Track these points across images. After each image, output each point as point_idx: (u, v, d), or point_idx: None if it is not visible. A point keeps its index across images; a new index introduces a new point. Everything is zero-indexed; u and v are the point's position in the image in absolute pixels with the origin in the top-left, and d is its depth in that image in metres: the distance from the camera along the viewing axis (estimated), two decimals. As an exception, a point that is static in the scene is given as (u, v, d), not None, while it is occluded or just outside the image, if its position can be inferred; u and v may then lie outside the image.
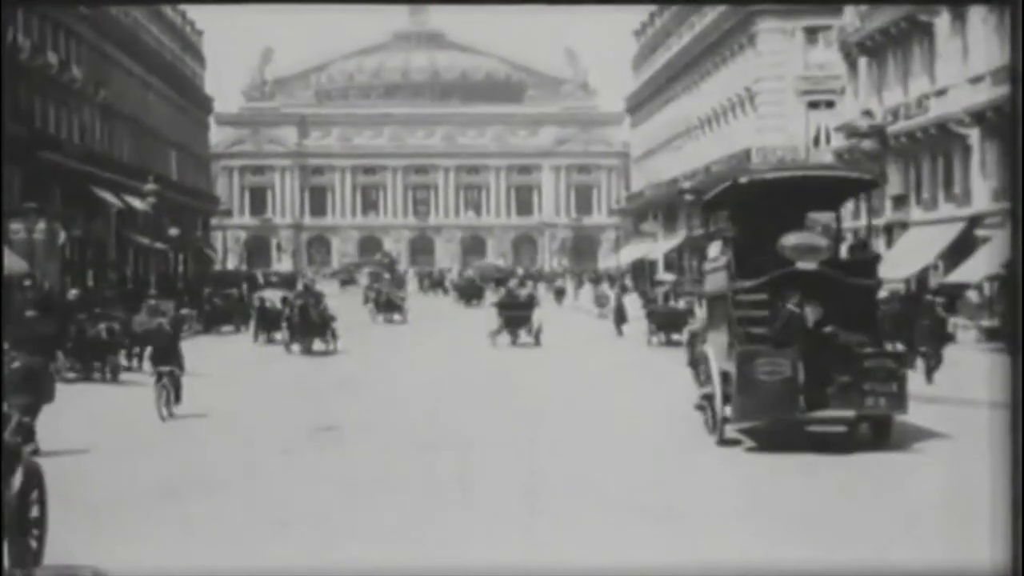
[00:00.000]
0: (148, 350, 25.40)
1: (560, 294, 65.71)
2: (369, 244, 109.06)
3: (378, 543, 13.55)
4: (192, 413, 22.97)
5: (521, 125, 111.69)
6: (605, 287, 62.74)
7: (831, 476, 17.49)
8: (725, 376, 19.85)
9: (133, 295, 51.10)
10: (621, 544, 13.63)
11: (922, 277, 42.46)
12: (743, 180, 20.75)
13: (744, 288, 20.03)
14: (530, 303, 41.05)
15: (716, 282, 21.35)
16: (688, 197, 57.82)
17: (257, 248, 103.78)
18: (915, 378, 27.96)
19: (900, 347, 22.19)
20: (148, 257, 62.21)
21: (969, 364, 31.30)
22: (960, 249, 40.01)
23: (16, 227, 43.06)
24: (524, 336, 39.70)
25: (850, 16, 51.33)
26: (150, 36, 71.53)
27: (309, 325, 36.08)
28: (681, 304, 41.68)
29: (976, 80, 39.86)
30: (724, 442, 19.77)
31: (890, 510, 15.27)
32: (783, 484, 17.07)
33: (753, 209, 20.89)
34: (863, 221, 40.53)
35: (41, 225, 44.12)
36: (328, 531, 13.97)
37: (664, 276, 56.73)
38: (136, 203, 57.19)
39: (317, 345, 36.13)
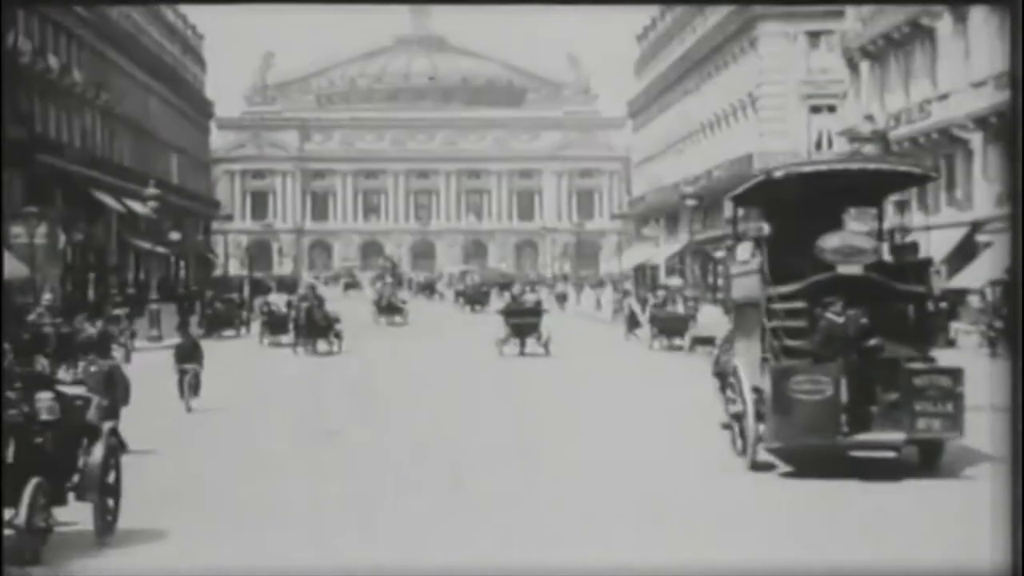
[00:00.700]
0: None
1: (562, 299, 64.75)
2: (370, 249, 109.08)
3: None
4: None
5: (522, 129, 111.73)
6: (615, 293, 62.15)
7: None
8: (758, 393, 17.83)
9: (135, 299, 51.13)
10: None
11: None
12: (778, 174, 18.56)
13: (779, 295, 17.96)
14: (538, 310, 38.90)
15: (746, 288, 19.35)
16: (690, 202, 57.74)
17: (258, 252, 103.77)
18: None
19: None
20: (149, 261, 62.17)
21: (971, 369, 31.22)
22: (962, 254, 39.96)
23: (17, 231, 42.99)
24: (533, 345, 37.24)
25: (852, 20, 51.29)
26: (151, 40, 71.53)
27: (314, 327, 37.34)
28: (681, 309, 41.42)
29: (978, 85, 39.82)
30: (756, 466, 17.71)
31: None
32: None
33: (788, 207, 18.94)
34: (864, 225, 40.42)
35: (42, 229, 44.04)
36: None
37: (672, 281, 56.21)
38: (137, 207, 57.14)
39: (322, 346, 37.21)
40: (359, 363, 34.40)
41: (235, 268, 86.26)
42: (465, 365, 34.28)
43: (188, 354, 25.10)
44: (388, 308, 50.54)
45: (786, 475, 17.54)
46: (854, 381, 17.27)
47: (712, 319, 40.22)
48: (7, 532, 12.32)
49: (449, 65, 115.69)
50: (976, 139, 40.46)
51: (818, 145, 56.95)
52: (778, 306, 17.96)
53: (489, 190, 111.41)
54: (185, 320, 40.60)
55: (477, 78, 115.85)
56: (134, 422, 18.42)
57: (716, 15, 65.24)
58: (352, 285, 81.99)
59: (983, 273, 37.27)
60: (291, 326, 38.91)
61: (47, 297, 34.39)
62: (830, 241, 18.07)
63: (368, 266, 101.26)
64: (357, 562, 12.91)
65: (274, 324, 40.59)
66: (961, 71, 41.40)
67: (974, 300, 36.41)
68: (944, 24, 42.95)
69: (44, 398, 13.16)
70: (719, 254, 64.90)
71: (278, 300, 43.01)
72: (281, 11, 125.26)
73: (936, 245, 41.57)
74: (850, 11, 51.54)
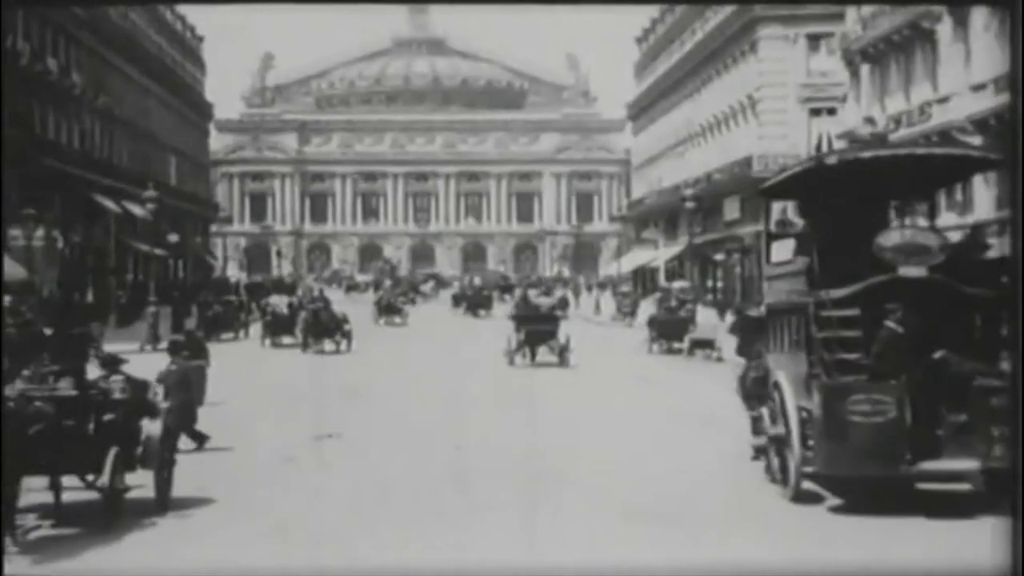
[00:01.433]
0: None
1: (564, 304, 63.24)
2: (369, 251, 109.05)
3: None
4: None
5: (522, 132, 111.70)
6: (615, 296, 61.89)
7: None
8: (804, 413, 15.70)
9: (135, 302, 51.10)
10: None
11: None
12: (831, 160, 16.08)
13: (833, 300, 15.54)
14: (555, 316, 35.86)
15: (784, 292, 17.15)
16: (689, 204, 57.67)
17: (257, 255, 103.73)
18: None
19: None
20: (148, 264, 62.08)
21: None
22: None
23: (15, 233, 42.95)
24: (544, 353, 34.29)
25: (852, 23, 51.23)
26: (150, 42, 71.47)
27: (321, 328, 38.45)
28: (681, 312, 41.30)
29: (978, 88, 39.73)
30: (800, 498, 15.59)
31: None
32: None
33: (838, 198, 16.54)
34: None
35: (40, 231, 44.03)
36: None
37: (680, 283, 55.92)
38: (136, 209, 57.07)
39: (329, 346, 38.28)
40: (363, 368, 34.07)
41: (234, 270, 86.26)
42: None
43: (196, 351, 25.62)
44: (388, 309, 52.23)
45: (835, 510, 15.46)
46: (919, 401, 15.11)
47: (709, 323, 40.23)
48: (86, 495, 14.49)
49: (448, 67, 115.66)
50: (976, 142, 40.39)
51: (818, 148, 56.88)
52: (830, 313, 15.58)
53: (488, 192, 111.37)
54: (180, 323, 40.66)
55: (476, 80, 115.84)
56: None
57: (716, 18, 65.21)
58: (353, 287, 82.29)
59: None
60: (299, 327, 39.87)
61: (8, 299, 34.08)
62: (890, 238, 15.84)
63: (366, 269, 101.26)
64: (358, 562, 12.88)
65: (276, 325, 41.23)
66: (961, 74, 41.33)
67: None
68: (944, 27, 42.88)
69: (117, 380, 15.37)
70: (719, 257, 64.90)
71: (279, 302, 43.58)
72: (280, 12, 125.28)
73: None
74: (850, 14, 51.48)
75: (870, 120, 44.09)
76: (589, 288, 76.54)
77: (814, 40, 56.98)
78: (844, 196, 16.56)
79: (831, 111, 56.06)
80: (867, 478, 15.29)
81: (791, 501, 15.60)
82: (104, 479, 14.20)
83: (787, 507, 15.47)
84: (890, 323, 15.37)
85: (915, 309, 15.37)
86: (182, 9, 79.06)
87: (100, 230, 57.61)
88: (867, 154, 16.37)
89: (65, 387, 14.71)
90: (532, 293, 42.43)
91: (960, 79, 41.35)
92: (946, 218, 42.66)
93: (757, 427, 17.34)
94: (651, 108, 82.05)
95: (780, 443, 16.13)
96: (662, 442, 20.85)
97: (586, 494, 16.43)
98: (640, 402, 26.78)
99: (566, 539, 14.14)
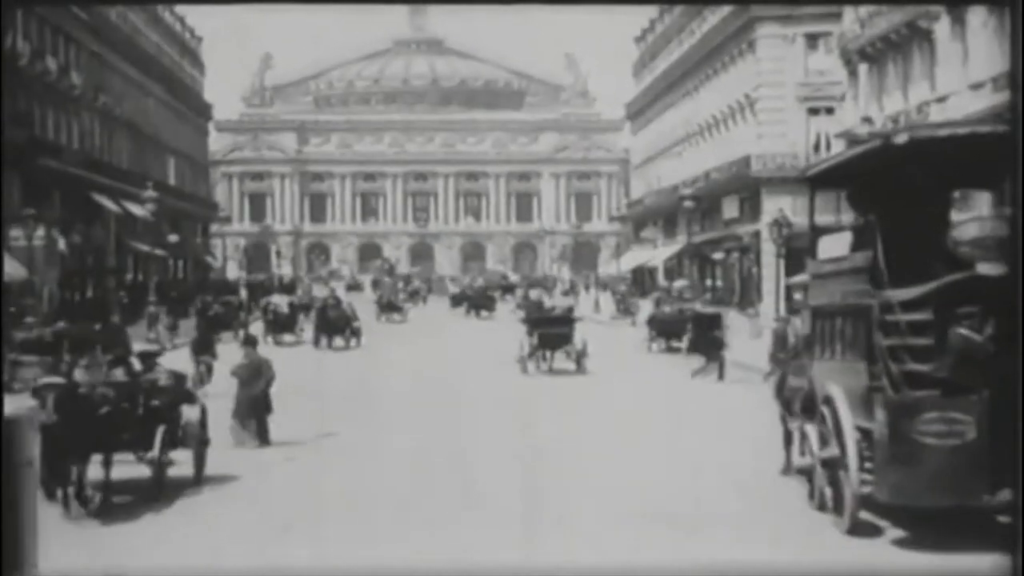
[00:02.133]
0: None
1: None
2: (369, 251, 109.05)
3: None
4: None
5: (521, 132, 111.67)
6: (615, 295, 61.64)
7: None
8: (864, 434, 13.72)
9: (135, 302, 51.15)
10: None
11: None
12: (901, 139, 13.72)
13: (901, 303, 13.37)
14: (571, 318, 33.71)
15: (840, 292, 15.00)
16: (688, 204, 57.76)
17: (256, 255, 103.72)
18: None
19: None
20: (148, 264, 62.11)
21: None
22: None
23: (15, 234, 42.99)
24: (559, 358, 32.48)
25: (850, 22, 51.29)
26: (149, 42, 71.51)
27: (331, 325, 40.30)
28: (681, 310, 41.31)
29: (977, 87, 39.80)
30: (857, 530, 13.79)
31: None
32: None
33: (901, 185, 14.24)
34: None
35: (40, 232, 44.04)
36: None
37: (679, 282, 55.91)
38: (135, 209, 57.13)
39: (339, 342, 40.10)
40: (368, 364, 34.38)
41: (233, 270, 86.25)
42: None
43: (203, 346, 27.92)
44: (388, 306, 53.94)
45: (899, 543, 13.71)
46: (1001, 420, 12.87)
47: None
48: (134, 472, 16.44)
49: (447, 68, 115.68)
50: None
51: (816, 147, 56.96)
52: (897, 318, 13.38)
53: (487, 192, 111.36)
54: (175, 324, 40.96)
55: (475, 80, 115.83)
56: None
57: (714, 17, 65.26)
58: (354, 287, 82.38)
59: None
60: (300, 325, 42.32)
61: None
62: (967, 230, 13.79)
63: (365, 268, 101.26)
64: (358, 562, 12.93)
65: (277, 324, 42.49)
66: (959, 73, 41.39)
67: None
68: (942, 26, 42.94)
69: (162, 370, 17.76)
70: (717, 256, 64.95)
71: (280, 301, 44.71)
72: (279, 12, 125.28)
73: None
74: (848, 13, 51.54)
75: (868, 119, 44.25)
76: (587, 287, 76.58)
77: (812, 39, 57.05)
78: (911, 182, 14.25)
79: (829, 110, 56.14)
80: (941, 509, 13.33)
81: (846, 534, 13.80)
82: (154, 454, 16.53)
83: (843, 541, 13.68)
84: (963, 330, 13.17)
85: (995, 312, 13.11)
86: (181, 9, 79.13)
87: (100, 230, 57.65)
88: (943, 132, 14.36)
89: (119, 375, 16.99)
90: (533, 293, 42.06)
91: (958, 78, 41.41)
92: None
93: (801, 445, 15.44)
94: (650, 108, 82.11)
95: (832, 467, 14.22)
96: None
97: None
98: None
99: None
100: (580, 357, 32.42)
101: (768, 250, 51.99)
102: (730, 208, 62.74)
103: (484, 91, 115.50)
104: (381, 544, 14.05)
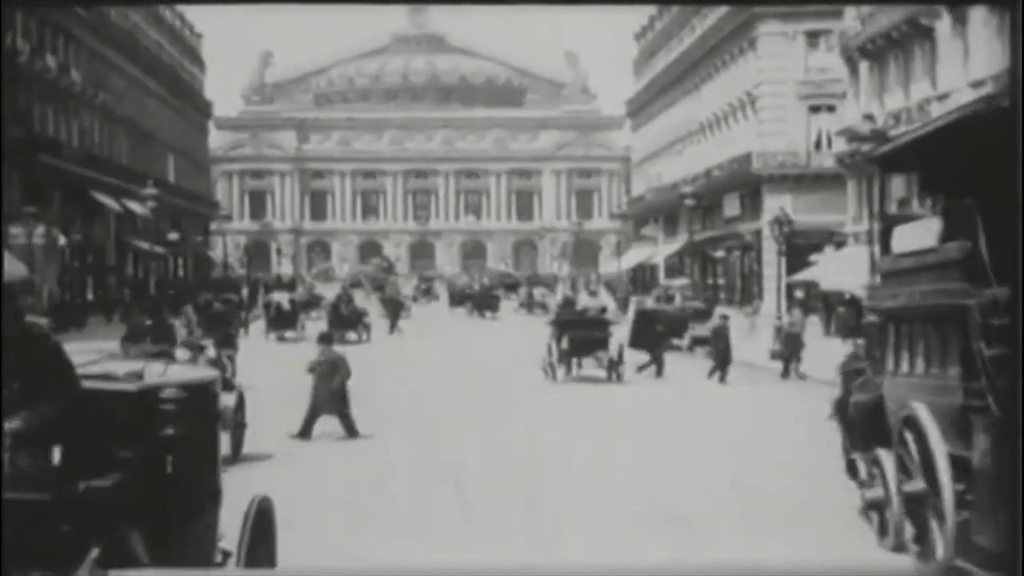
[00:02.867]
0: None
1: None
2: (369, 248, 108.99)
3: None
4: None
5: (521, 129, 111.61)
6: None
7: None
8: (960, 465, 11.47)
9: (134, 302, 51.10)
10: None
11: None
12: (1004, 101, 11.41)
13: (1010, 302, 10.97)
14: (605, 320, 30.81)
15: (920, 292, 12.69)
16: (689, 201, 57.73)
17: (257, 252, 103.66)
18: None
19: None
20: (148, 262, 62.11)
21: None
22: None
23: (15, 231, 42.96)
24: (589, 364, 29.53)
25: (851, 20, 51.24)
26: (149, 40, 71.45)
27: (343, 320, 41.77)
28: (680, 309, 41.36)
29: (978, 84, 39.73)
30: None
31: None
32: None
33: (1001, 163, 11.42)
34: (864, 225, 40.49)
35: (40, 229, 44.02)
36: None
37: (679, 281, 55.78)
38: (135, 207, 57.09)
39: (351, 336, 41.34)
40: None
41: (236, 267, 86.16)
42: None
43: (226, 340, 28.84)
44: (392, 303, 54.25)
45: None
46: None
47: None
48: None
49: (448, 65, 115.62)
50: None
51: (817, 145, 56.91)
52: (1003, 322, 11.03)
53: (488, 190, 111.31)
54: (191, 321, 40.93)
55: (475, 78, 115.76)
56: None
57: (715, 15, 65.20)
58: (356, 284, 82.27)
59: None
60: (302, 321, 43.58)
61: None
62: None
63: (366, 265, 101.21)
64: (359, 563, 12.89)
65: (278, 320, 43.74)
66: (960, 71, 41.34)
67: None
68: (943, 24, 42.89)
69: (202, 360, 19.34)
70: (718, 254, 64.92)
71: (282, 298, 45.57)
72: (279, 11, 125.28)
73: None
74: (849, 10, 51.50)
75: (869, 117, 44.21)
76: (587, 285, 76.48)
77: (813, 37, 56.99)
78: (1002, 162, 11.54)
79: (830, 108, 56.08)
80: None
81: None
82: None
83: None
84: None
85: None
86: (181, 7, 79.08)
87: (100, 228, 57.61)
88: None
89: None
90: (537, 292, 41.63)
91: (959, 76, 41.36)
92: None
93: (869, 475, 13.25)
94: (650, 105, 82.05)
95: (918, 503, 12.13)
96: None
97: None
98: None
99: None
100: (614, 365, 29.24)
101: (769, 248, 51.93)
102: (731, 206, 62.70)
103: (484, 88, 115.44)
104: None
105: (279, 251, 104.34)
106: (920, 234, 13.08)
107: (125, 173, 61.29)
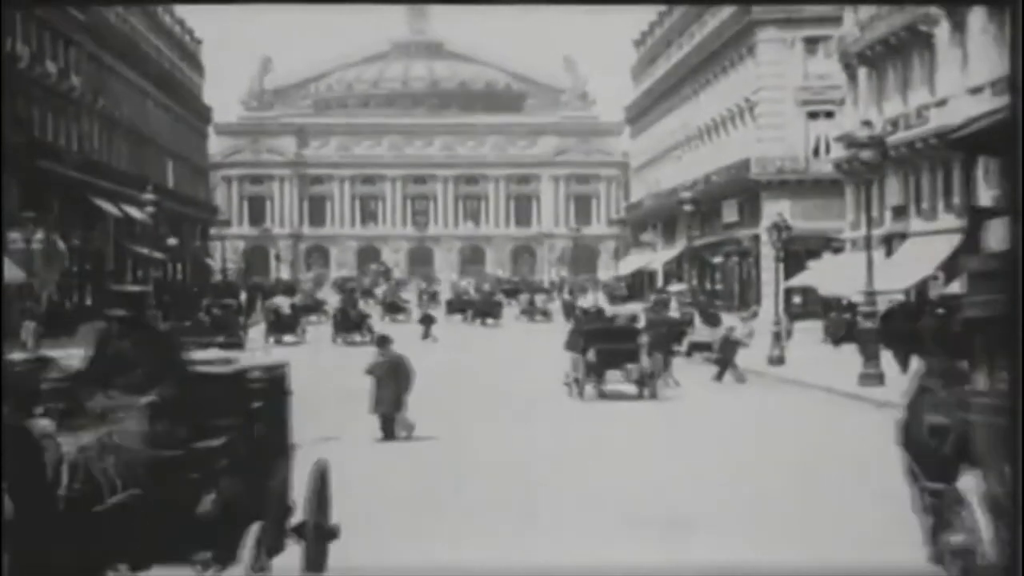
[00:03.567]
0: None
1: (571, 310, 57.08)
2: (368, 254, 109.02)
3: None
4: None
5: (520, 135, 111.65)
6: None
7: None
8: None
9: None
10: None
11: (921, 288, 42.38)
12: None
13: None
14: (635, 329, 28.43)
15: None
16: (687, 207, 57.74)
17: (256, 258, 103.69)
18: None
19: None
20: (147, 267, 62.12)
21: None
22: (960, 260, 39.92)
23: (14, 236, 42.96)
24: (613, 378, 27.12)
25: (850, 26, 51.29)
26: (149, 45, 71.49)
27: (349, 323, 43.90)
28: (678, 314, 41.37)
29: (976, 91, 39.79)
30: None
31: None
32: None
33: None
34: (862, 231, 40.49)
35: (39, 235, 44.03)
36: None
37: (677, 287, 55.72)
38: (134, 212, 57.12)
39: (356, 337, 43.22)
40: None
41: (232, 274, 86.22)
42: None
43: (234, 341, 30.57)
44: (391, 307, 56.99)
45: None
46: None
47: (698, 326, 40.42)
48: None
49: (446, 71, 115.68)
50: (974, 144, 40.43)
51: (816, 151, 56.95)
52: None
53: (487, 196, 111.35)
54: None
55: (474, 83, 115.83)
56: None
57: (714, 21, 65.26)
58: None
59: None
60: (302, 326, 44.92)
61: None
62: None
63: (364, 271, 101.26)
64: (358, 562, 12.87)
65: (279, 325, 44.71)
66: (959, 77, 41.38)
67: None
68: (942, 30, 42.94)
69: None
70: (717, 259, 64.96)
71: (282, 303, 47.22)
72: (279, 12, 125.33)
73: (934, 251, 41.57)
74: (847, 17, 51.56)
75: (868, 123, 44.32)
76: (584, 291, 76.54)
77: (812, 43, 57.04)
78: None
79: (829, 114, 56.13)
80: None
81: None
82: None
83: None
84: None
85: None
86: (181, 13, 79.14)
87: (99, 233, 57.63)
88: None
89: None
90: (539, 299, 41.44)
91: (957, 82, 41.41)
92: (943, 220, 42.77)
93: (948, 515, 10.75)
94: (649, 111, 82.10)
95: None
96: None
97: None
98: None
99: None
100: (646, 379, 26.71)
101: (767, 253, 51.97)
102: (729, 212, 62.74)
103: (483, 94, 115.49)
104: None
105: (278, 257, 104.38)
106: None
107: (124, 178, 61.30)
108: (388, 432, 21.34)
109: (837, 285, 45.01)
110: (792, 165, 56.97)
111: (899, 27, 45.89)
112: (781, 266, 43.67)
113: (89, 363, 9.81)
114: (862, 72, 50.32)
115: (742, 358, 34.14)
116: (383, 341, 22.55)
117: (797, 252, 49.44)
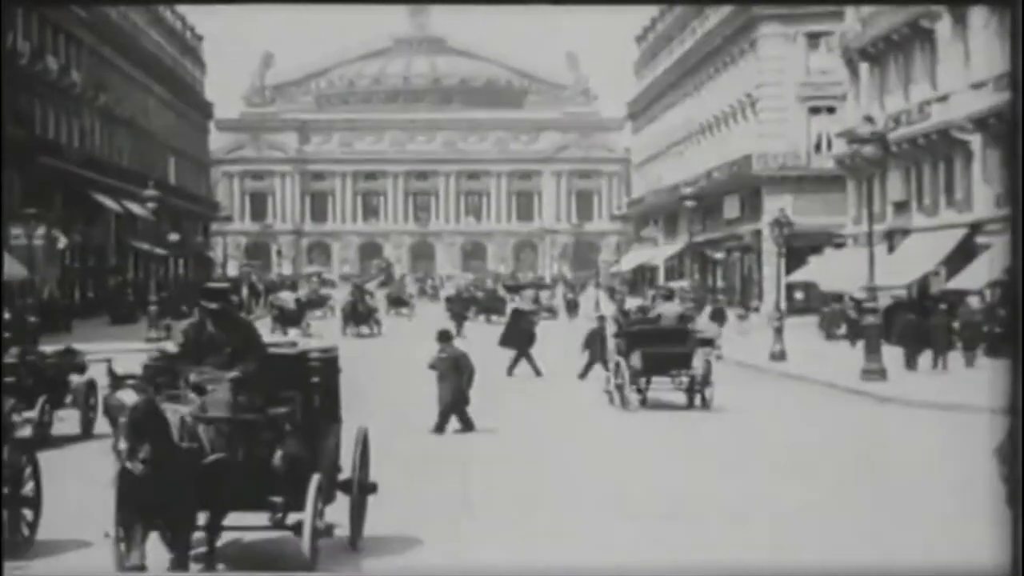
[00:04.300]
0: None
1: (573, 307, 56.65)
2: (369, 250, 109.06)
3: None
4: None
5: (522, 131, 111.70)
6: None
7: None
8: None
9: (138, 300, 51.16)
10: None
11: (923, 283, 42.37)
12: None
13: None
14: (686, 330, 24.75)
15: None
16: (689, 203, 57.72)
17: (257, 254, 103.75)
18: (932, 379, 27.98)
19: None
20: (148, 263, 62.11)
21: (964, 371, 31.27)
22: (961, 255, 39.93)
23: (16, 232, 42.96)
24: (658, 385, 24.14)
25: (851, 22, 51.26)
26: (150, 41, 71.49)
27: (359, 315, 45.18)
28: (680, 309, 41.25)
29: (978, 86, 39.76)
30: None
31: None
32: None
33: None
34: (863, 226, 40.47)
35: (41, 231, 44.01)
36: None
37: (679, 283, 55.60)
38: (136, 208, 57.11)
39: (365, 330, 44.79)
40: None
41: (234, 269, 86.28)
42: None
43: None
44: (396, 301, 57.59)
45: None
46: None
47: (705, 323, 40.36)
48: None
49: (448, 66, 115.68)
50: (975, 141, 40.42)
51: (817, 147, 56.93)
52: None
53: (488, 191, 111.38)
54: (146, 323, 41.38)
55: (476, 79, 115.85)
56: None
57: (716, 16, 65.23)
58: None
59: (982, 275, 37.23)
60: (307, 320, 45.07)
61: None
62: None
63: (366, 267, 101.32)
64: (359, 562, 12.90)
65: (283, 319, 44.50)
66: (960, 73, 41.35)
67: (973, 301, 36.36)
68: (943, 26, 42.91)
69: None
70: (719, 255, 64.95)
71: (287, 297, 46.76)
72: (280, 11, 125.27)
73: (935, 247, 41.56)
74: (849, 12, 51.51)
75: (869, 119, 44.29)
76: (584, 287, 76.56)
77: (814, 39, 56.99)
78: None
79: (830, 110, 56.09)
80: None
81: None
82: None
83: None
84: None
85: None
86: (182, 9, 79.12)
87: (100, 229, 57.64)
88: None
89: None
90: (544, 296, 40.98)
91: (959, 77, 41.38)
92: (945, 216, 42.74)
93: None
94: (651, 107, 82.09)
95: None
96: None
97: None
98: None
99: None
100: (698, 386, 23.80)
101: (769, 249, 51.96)
102: (731, 207, 62.71)
103: (485, 90, 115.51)
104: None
105: (279, 252, 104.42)
106: None
107: (125, 174, 61.30)
108: (440, 427, 21.19)
109: (839, 281, 44.99)
110: (794, 161, 56.92)
111: (901, 23, 45.86)
112: (783, 262, 43.63)
113: (182, 346, 12.05)
114: (864, 67, 50.29)
115: (744, 353, 34.03)
116: (444, 336, 21.77)
117: (799, 248, 49.41)
